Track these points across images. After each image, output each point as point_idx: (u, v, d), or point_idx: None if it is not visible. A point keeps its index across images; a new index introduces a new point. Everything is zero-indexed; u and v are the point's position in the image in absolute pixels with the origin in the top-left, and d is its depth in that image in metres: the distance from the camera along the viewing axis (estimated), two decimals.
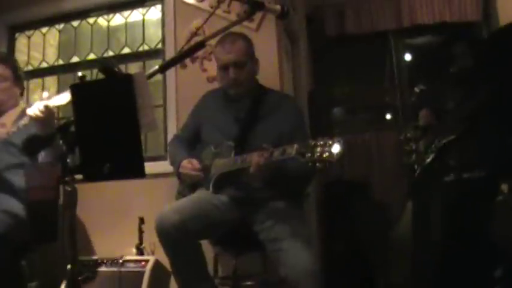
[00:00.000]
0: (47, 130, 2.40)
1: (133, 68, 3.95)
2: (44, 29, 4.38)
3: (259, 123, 2.63)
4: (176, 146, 2.84)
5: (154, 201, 3.22)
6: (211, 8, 3.57)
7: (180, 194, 2.77)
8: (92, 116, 1.71)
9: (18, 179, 2.65)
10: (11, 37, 4.40)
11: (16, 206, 2.59)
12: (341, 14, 5.41)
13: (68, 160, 1.76)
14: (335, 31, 5.43)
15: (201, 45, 2.02)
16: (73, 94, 1.74)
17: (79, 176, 1.74)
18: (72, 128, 1.75)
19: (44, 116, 2.25)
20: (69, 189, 1.74)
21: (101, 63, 1.66)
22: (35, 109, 2.25)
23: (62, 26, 4.33)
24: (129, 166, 1.66)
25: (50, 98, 2.29)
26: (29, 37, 4.41)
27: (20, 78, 2.97)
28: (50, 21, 4.33)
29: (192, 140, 2.84)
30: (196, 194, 2.62)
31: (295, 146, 2.08)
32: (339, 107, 5.81)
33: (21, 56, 4.41)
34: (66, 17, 4.26)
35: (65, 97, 2.22)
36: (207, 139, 2.75)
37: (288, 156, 2.11)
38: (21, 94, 3.01)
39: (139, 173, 1.64)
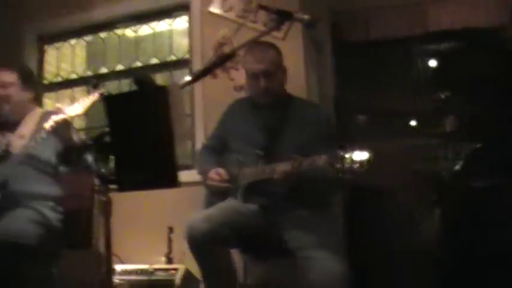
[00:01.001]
0: (64, 141, 2.47)
1: (160, 78, 4.00)
2: (73, 41, 4.47)
3: (286, 131, 2.64)
4: (204, 156, 2.87)
5: (183, 211, 3.23)
6: (238, 17, 3.60)
7: (208, 203, 2.78)
8: (127, 126, 1.74)
9: (45, 189, 2.68)
10: (40, 49, 4.49)
11: (46, 216, 2.62)
12: (365, 21, 5.38)
13: (103, 170, 1.80)
14: (359, 38, 5.40)
15: (231, 55, 2.06)
16: (107, 105, 1.77)
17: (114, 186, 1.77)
18: (107, 139, 1.78)
19: (59, 128, 2.35)
20: (104, 199, 1.78)
21: (136, 75, 1.69)
22: (51, 123, 2.34)
23: (90, 37, 4.42)
24: (164, 176, 1.69)
25: (64, 110, 2.35)
26: (57, 48, 4.50)
27: (30, 83, 2.94)
28: (79, 32, 4.41)
29: (219, 149, 2.86)
30: (224, 203, 2.63)
31: (325, 157, 2.09)
32: (363, 114, 5.78)
33: (50, 68, 4.50)
34: (94, 29, 4.33)
35: (79, 108, 2.28)
36: (234, 148, 2.76)
37: (317, 166, 2.13)
38: (36, 99, 3.00)
39: (174, 183, 1.66)
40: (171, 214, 3.44)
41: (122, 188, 1.77)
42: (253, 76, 2.67)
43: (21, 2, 4.45)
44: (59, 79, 4.46)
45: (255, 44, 2.56)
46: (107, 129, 1.77)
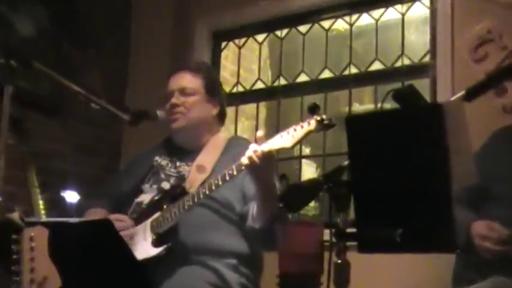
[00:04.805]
0: (264, 180, 2.51)
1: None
2: (259, 37, 4.67)
3: None
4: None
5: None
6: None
7: (461, 279, 2.74)
8: (378, 160, 1.76)
9: (226, 241, 2.80)
10: (216, 47, 4.77)
11: (225, 278, 2.73)
12: None
13: (338, 220, 1.83)
14: None
15: None
16: (349, 129, 1.80)
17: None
18: (345, 177, 1.82)
19: (261, 164, 2.37)
20: (339, 261, 1.81)
21: (397, 89, 1.70)
22: (250, 155, 2.37)
23: (283, 32, 4.57)
24: (434, 235, 1.66)
25: (266, 140, 2.39)
26: (239, 47, 4.74)
27: (216, 93, 3.04)
28: (268, 26, 4.60)
29: (473, 198, 2.80)
30: (487, 282, 2.57)
31: None
32: None
33: (226, 74, 4.77)
34: (290, 20, 4.49)
35: (288, 139, 2.29)
36: (502, 198, 2.73)
37: None
38: (220, 117, 3.08)
39: (451, 247, 1.64)
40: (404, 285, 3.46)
41: (365, 248, 1.78)
42: None
43: None
44: (239, 89, 4.67)
45: None
46: (346, 162, 1.81)
